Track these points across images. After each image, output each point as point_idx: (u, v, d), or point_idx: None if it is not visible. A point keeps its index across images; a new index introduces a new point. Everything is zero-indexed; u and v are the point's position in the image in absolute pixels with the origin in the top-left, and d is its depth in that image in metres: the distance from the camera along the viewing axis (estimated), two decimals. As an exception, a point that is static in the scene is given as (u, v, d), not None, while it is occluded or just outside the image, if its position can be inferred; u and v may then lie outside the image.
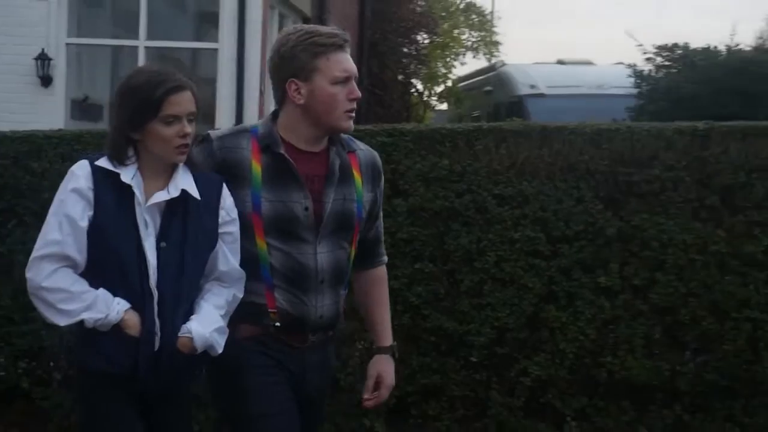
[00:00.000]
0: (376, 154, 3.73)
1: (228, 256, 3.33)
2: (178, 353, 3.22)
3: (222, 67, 13.53)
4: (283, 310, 3.37)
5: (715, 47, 11.93)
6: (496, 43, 19.52)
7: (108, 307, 3.08)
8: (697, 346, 6.59)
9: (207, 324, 3.24)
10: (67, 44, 13.92)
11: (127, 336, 3.11)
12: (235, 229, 3.34)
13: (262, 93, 12.77)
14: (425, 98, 17.26)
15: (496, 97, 18.34)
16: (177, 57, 14.78)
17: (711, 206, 6.58)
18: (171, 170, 3.24)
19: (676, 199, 6.58)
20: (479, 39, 19.28)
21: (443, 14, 16.87)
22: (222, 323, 3.31)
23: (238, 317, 3.40)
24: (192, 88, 3.26)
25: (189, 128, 3.18)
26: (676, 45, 12.05)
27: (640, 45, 12.29)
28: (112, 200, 3.13)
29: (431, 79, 17.73)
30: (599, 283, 6.53)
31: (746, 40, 13.09)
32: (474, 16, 19.41)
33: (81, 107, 14.49)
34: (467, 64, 19.50)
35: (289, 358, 3.44)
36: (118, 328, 3.09)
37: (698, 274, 6.54)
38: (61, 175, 6.30)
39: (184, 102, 3.18)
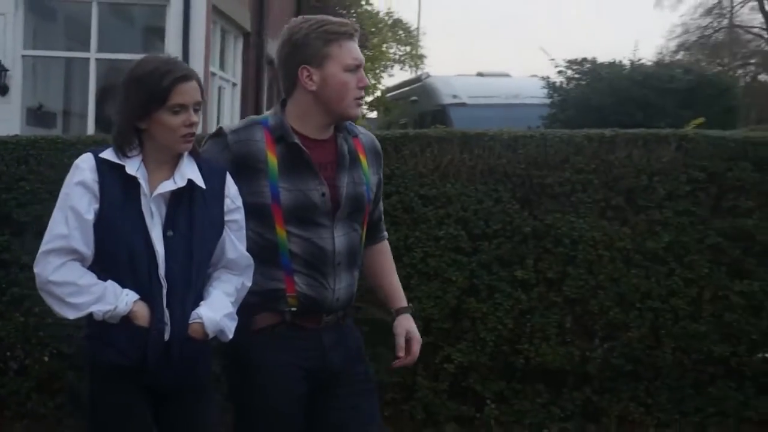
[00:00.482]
0: (374, 137, 3.61)
1: (236, 243, 3.20)
2: (189, 340, 3.08)
3: (167, 78, 13.51)
4: (302, 293, 3.23)
5: (620, 61, 12.06)
6: (421, 57, 19.69)
7: (116, 299, 2.94)
8: (604, 333, 6.65)
9: (217, 309, 3.11)
10: (23, 56, 13.74)
11: (136, 327, 2.97)
12: (240, 216, 3.21)
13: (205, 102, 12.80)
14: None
15: (421, 106, 18.44)
16: (126, 68, 14.54)
17: (617, 206, 6.63)
18: (175, 160, 3.11)
19: (585, 199, 6.60)
20: (405, 53, 19.41)
21: (372, 30, 16.96)
22: (232, 309, 3.18)
23: (254, 307, 3.26)
24: (198, 78, 3.14)
25: (195, 117, 3.06)
26: (584, 59, 12.14)
27: (553, 59, 12.45)
28: (117, 192, 2.98)
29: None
30: (516, 277, 6.54)
31: (648, 55, 13.30)
32: (401, 32, 19.51)
33: (36, 115, 14.33)
34: (395, 76, 19.66)
35: (306, 344, 3.29)
36: (127, 319, 2.95)
37: (605, 268, 6.56)
38: (15, 178, 6.22)
39: (190, 91, 3.05)
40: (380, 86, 18.52)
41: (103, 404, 3.07)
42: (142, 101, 3.02)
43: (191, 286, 3.09)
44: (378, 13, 17.70)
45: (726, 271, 6.65)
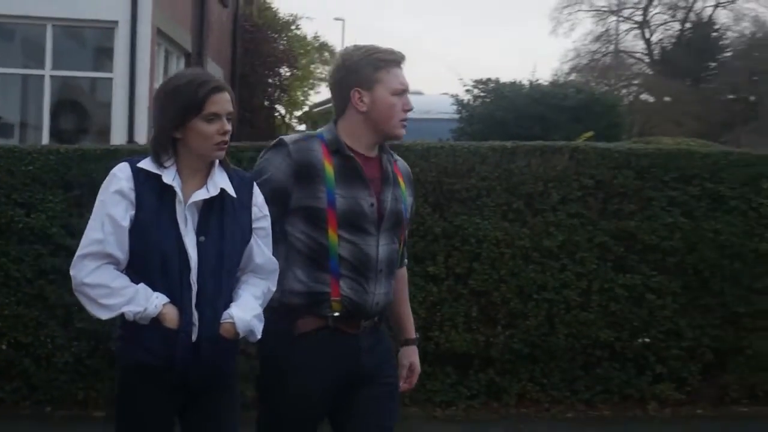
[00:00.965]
0: (407, 165, 3.60)
1: (263, 249, 3.13)
2: (220, 339, 3.00)
3: (116, 93, 13.36)
4: (346, 297, 3.17)
5: (520, 82, 12.22)
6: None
7: (147, 301, 2.85)
8: (506, 321, 6.70)
9: (247, 310, 3.04)
10: (-17, 73, 14.13)
11: (166, 329, 2.88)
12: (267, 224, 3.14)
13: None
14: (287, 120, 17.36)
15: None
16: (78, 85, 14.60)
17: (517, 209, 6.70)
18: (207, 168, 3.03)
19: (489, 203, 6.67)
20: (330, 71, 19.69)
21: (301, 51, 17.02)
22: (260, 311, 3.11)
23: (298, 311, 3.20)
24: (230, 90, 3.07)
25: (228, 126, 2.99)
26: (489, 79, 12.24)
27: (461, 79, 12.58)
28: (153, 199, 2.89)
29: (292, 105, 17.89)
30: (428, 272, 6.57)
31: (545, 76, 13.55)
32: (326, 54, 19.63)
33: (-5, 126, 14.72)
34: (321, 93, 19.78)
35: (344, 349, 3.23)
36: (156, 321, 2.86)
37: (507, 264, 6.64)
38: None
39: (223, 101, 2.98)
40: (308, 102, 18.77)
41: (128, 402, 2.99)
42: (179, 111, 2.95)
43: (222, 289, 3.02)
44: (306, 37, 17.83)
45: (611, 266, 6.78)
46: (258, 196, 3.09)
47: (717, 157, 7.15)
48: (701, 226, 6.88)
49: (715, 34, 44.53)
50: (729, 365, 7.06)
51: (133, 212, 2.86)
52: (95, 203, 2.95)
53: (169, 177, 2.92)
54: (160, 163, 2.91)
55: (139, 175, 2.91)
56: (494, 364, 6.78)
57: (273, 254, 3.19)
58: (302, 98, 18.84)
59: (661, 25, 45.26)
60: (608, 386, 6.91)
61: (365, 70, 3.24)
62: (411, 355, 3.50)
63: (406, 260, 3.66)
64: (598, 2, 44.89)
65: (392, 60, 3.30)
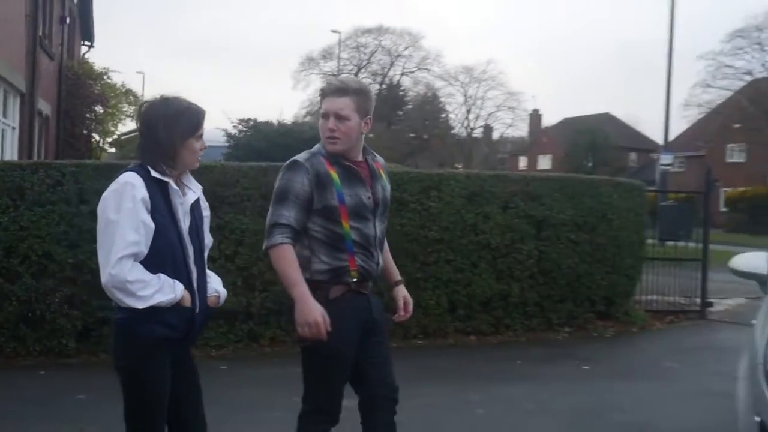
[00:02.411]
0: (383, 159, 3.56)
1: (209, 233, 3.11)
2: (208, 309, 2.99)
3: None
4: (360, 266, 3.23)
5: (271, 120, 12.91)
6: (138, 113, 20.46)
7: (173, 290, 2.78)
8: (261, 288, 7.31)
9: (220, 284, 3.11)
10: None
11: (183, 308, 2.83)
12: (209, 214, 3.12)
13: None
14: (101, 145, 17.89)
15: None
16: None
17: (268, 208, 7.47)
18: (181, 175, 2.95)
19: (250, 206, 7.28)
20: (134, 110, 20.89)
21: (112, 95, 17.71)
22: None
23: (327, 282, 3.21)
24: None
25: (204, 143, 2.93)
26: (249, 119, 12.79)
27: (230, 118, 13.02)
28: (161, 202, 2.81)
29: (104, 134, 18.44)
30: (211, 255, 7.24)
31: (289, 117, 14.89)
32: (131, 96, 20.55)
33: None
34: (126, 125, 20.66)
35: (361, 305, 3.30)
36: (177, 303, 2.80)
37: (262, 248, 7.08)
38: None
39: (203, 126, 2.95)
40: (117, 131, 19.86)
41: (150, 368, 2.86)
42: (185, 131, 2.87)
43: (205, 269, 3.01)
44: (115, 84, 18.93)
45: None
46: (202, 195, 3.06)
47: (402, 175, 8.03)
48: (392, 221, 6.93)
49: (401, 92, 51.17)
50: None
51: (149, 215, 2.76)
52: (121, 209, 2.73)
53: (172, 183, 2.86)
54: (163, 172, 2.83)
55: (149, 182, 2.79)
56: (253, 317, 7.32)
57: (299, 246, 3.20)
58: (112, 129, 19.75)
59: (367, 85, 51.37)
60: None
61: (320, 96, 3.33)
62: (401, 292, 3.53)
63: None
64: (325, 68, 49.97)
65: (323, 91, 3.36)
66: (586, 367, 7.29)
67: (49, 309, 6.83)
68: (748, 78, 39.37)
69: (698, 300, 10.42)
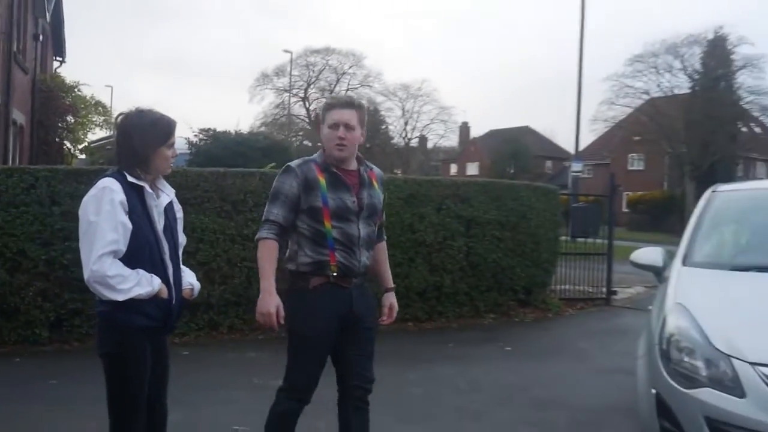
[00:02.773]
0: (381, 172, 3.55)
1: (182, 232, 3.05)
2: (183, 301, 2.97)
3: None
4: (340, 262, 3.20)
5: (229, 130, 13.25)
6: (112, 123, 20.22)
7: (151, 284, 2.75)
8: (220, 281, 7.21)
9: (193, 277, 3.07)
10: None
11: (161, 299, 2.80)
12: (182, 215, 3.07)
13: None
14: (72, 152, 17.52)
15: (113, 152, 18.03)
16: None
17: (227, 210, 7.28)
18: (155, 180, 2.91)
19: (209, 206, 7.21)
20: (103, 120, 20.23)
21: (82, 106, 17.37)
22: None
23: (310, 273, 3.20)
24: None
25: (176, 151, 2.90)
26: (210, 129, 13.01)
27: (191, 128, 13.23)
28: (138, 204, 2.77)
29: (76, 141, 18.07)
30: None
31: (245, 127, 14.83)
32: (100, 108, 20.19)
33: None
34: (96, 134, 20.29)
35: (341, 297, 3.24)
36: (155, 295, 2.78)
37: (221, 245, 7.19)
38: None
39: (175, 135, 2.92)
40: (87, 140, 19.55)
41: (132, 357, 2.82)
42: (157, 139, 2.83)
43: (179, 264, 2.96)
44: (85, 96, 18.61)
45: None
46: (175, 197, 3.03)
47: None
48: None
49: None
50: None
51: (126, 216, 2.73)
52: (100, 211, 2.69)
53: (147, 187, 2.83)
54: (138, 177, 2.79)
55: (126, 186, 2.75)
56: (213, 308, 7.25)
57: (290, 241, 3.21)
58: (83, 137, 19.40)
59: (316, 99, 49.97)
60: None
61: (322, 112, 3.35)
62: (389, 299, 3.50)
63: (385, 236, 3.62)
64: (278, 84, 49.50)
65: (331, 104, 3.34)
66: (509, 349, 7.40)
67: (23, 302, 6.69)
68: (646, 97, 40.57)
69: (604, 289, 10.65)
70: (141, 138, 2.81)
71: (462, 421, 4.89)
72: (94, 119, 20.67)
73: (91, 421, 3.42)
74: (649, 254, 4.13)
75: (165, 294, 2.81)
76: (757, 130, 42.70)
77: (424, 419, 4.88)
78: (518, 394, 5.62)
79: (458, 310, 8.67)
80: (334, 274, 3.21)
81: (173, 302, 2.87)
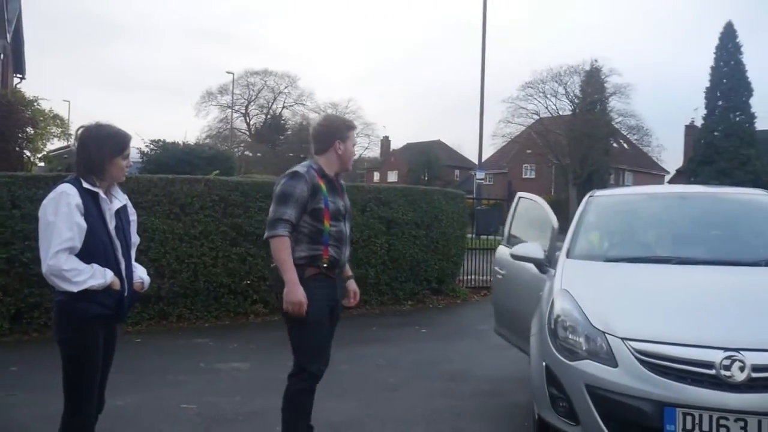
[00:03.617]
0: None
1: (135, 233, 3.01)
2: (135, 293, 2.94)
3: None
4: (332, 256, 3.21)
5: (177, 141, 12.87)
6: (70, 135, 19.63)
7: (104, 276, 2.72)
8: (169, 275, 7.01)
9: (144, 272, 3.03)
10: None
11: (114, 291, 2.77)
12: (135, 218, 3.02)
13: None
14: (32, 160, 16.72)
15: (70, 160, 17.28)
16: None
17: (175, 212, 7.09)
18: (110, 186, 2.87)
19: (159, 209, 6.93)
20: (59, 132, 19.40)
21: (41, 118, 16.65)
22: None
23: (306, 265, 3.15)
24: None
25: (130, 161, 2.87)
26: (159, 140, 12.58)
27: (143, 139, 12.91)
28: (92, 207, 2.74)
29: (35, 151, 17.31)
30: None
31: (192, 140, 14.51)
32: (58, 120, 19.37)
33: None
34: (54, 144, 19.59)
35: (330, 285, 3.25)
36: (108, 287, 2.74)
37: (170, 243, 7.00)
38: None
39: (130, 147, 2.88)
40: (46, 149, 18.73)
41: (89, 341, 2.79)
42: (114, 151, 2.79)
43: (131, 261, 2.92)
44: (44, 110, 17.87)
45: (229, 243, 7.31)
46: (129, 202, 2.99)
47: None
48: None
49: (282, 122, 50.74)
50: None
51: (82, 217, 2.70)
52: (59, 213, 2.66)
53: (102, 193, 2.79)
54: (93, 184, 2.76)
55: (82, 192, 2.73)
56: (163, 299, 7.08)
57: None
58: (42, 147, 18.58)
59: (255, 115, 50.41)
60: (228, 308, 7.44)
61: (342, 129, 3.36)
62: (353, 285, 3.49)
63: None
64: (221, 102, 48.89)
65: (352, 126, 3.45)
66: (424, 331, 7.48)
67: (-16, 296, 6.23)
68: (536, 117, 41.95)
69: (503, 278, 10.81)
70: (98, 149, 2.78)
71: (383, 393, 4.91)
72: (52, 131, 19.78)
73: (51, 406, 3.30)
74: (528, 248, 4.23)
75: (117, 286, 2.78)
76: (626, 146, 44.74)
77: (350, 393, 4.87)
78: (431, 369, 5.69)
79: (380, 299, 8.71)
80: (325, 265, 3.19)
81: (125, 294, 2.84)
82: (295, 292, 3.07)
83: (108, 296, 2.76)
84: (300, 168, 3.24)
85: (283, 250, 3.10)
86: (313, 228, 3.18)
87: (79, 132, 2.86)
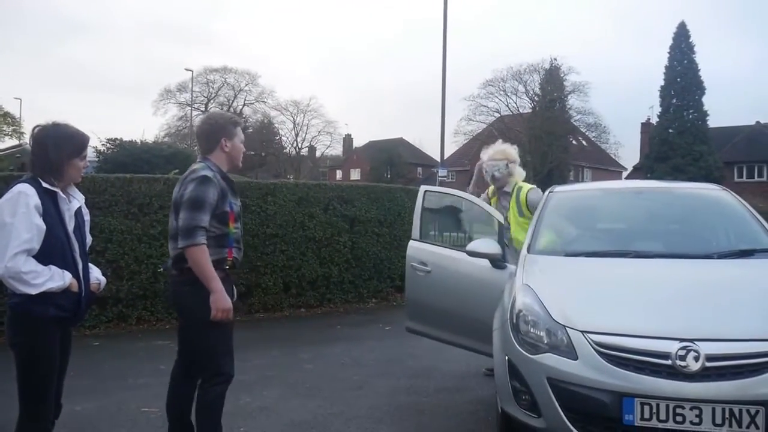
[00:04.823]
0: None
1: (89, 234, 2.97)
2: (91, 294, 2.90)
3: None
4: (235, 258, 3.19)
5: (135, 140, 12.55)
6: (22, 133, 18.93)
7: (62, 278, 2.69)
8: (128, 277, 6.93)
9: (99, 273, 3.00)
10: None
11: (72, 292, 2.73)
12: (89, 218, 2.98)
13: None
14: None
15: (23, 160, 16.84)
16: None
17: (133, 212, 6.95)
18: (67, 186, 2.83)
19: (117, 209, 6.86)
20: (12, 130, 18.83)
21: None
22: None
23: (213, 266, 3.06)
24: None
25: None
26: (117, 138, 12.28)
27: (99, 138, 12.54)
28: (51, 208, 2.69)
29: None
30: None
31: (150, 138, 14.26)
32: (9, 119, 18.67)
33: None
34: (6, 143, 19.03)
35: (229, 286, 3.17)
36: (65, 288, 2.71)
37: (128, 244, 6.96)
38: None
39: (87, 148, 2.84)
40: None
41: (43, 346, 2.73)
42: (72, 151, 2.76)
43: (87, 261, 2.89)
44: None
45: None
46: (83, 202, 2.93)
47: (244, 184, 7.97)
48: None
49: (243, 119, 49.88)
50: (253, 292, 7.86)
51: (41, 218, 2.65)
52: (17, 213, 2.61)
53: (61, 193, 2.75)
54: (52, 184, 2.72)
55: (39, 191, 2.67)
56: (122, 301, 7.00)
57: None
58: None
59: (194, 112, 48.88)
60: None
61: (228, 126, 3.26)
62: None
63: None
64: (180, 99, 47.94)
65: (239, 122, 3.36)
66: (388, 328, 7.51)
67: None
68: (498, 114, 42.46)
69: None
70: (56, 149, 2.74)
71: (348, 391, 4.91)
72: (3, 129, 19.15)
73: (7, 413, 3.16)
74: (484, 244, 4.26)
75: (76, 288, 2.74)
76: (585, 143, 45.60)
77: (315, 392, 4.86)
78: (395, 366, 5.71)
79: (345, 297, 8.73)
80: (227, 267, 3.16)
81: (83, 295, 2.80)
82: (225, 299, 3.03)
83: (65, 298, 2.72)
84: (206, 172, 3.13)
85: (207, 259, 3.01)
86: (219, 231, 3.11)
87: (36, 131, 2.80)
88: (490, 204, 5.12)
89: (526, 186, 5.13)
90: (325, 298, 8.61)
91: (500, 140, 5.69)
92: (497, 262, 4.18)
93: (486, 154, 5.22)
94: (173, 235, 3.12)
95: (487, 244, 4.19)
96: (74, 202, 2.84)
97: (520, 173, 5.22)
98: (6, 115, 19.16)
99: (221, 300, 3.02)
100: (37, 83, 77.55)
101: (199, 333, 3.11)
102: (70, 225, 2.77)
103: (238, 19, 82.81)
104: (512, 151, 5.20)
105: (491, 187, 5.30)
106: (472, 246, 4.26)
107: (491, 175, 5.15)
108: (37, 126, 2.84)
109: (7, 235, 2.59)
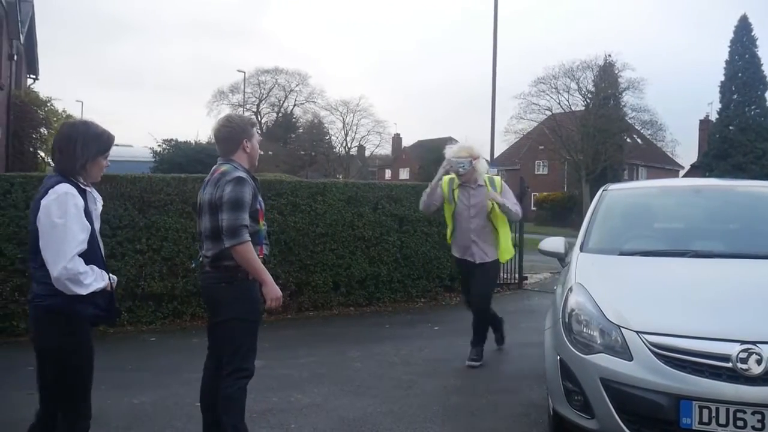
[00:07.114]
0: None
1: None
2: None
3: None
4: (266, 255, 3.25)
5: (189, 140, 13.10)
6: (56, 130, 19.62)
7: (103, 278, 2.71)
8: (183, 275, 7.01)
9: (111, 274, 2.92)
10: None
11: (107, 292, 2.74)
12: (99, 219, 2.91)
13: None
14: (45, 160, 16.84)
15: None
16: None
17: (188, 211, 7.05)
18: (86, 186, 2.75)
19: (172, 208, 7.03)
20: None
21: (55, 119, 16.73)
22: None
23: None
24: None
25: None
26: (172, 139, 12.81)
27: (155, 138, 13.11)
28: (86, 207, 2.69)
29: (49, 151, 17.60)
30: (136, 248, 6.78)
31: (204, 139, 14.56)
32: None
33: None
34: None
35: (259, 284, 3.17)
36: (103, 288, 2.71)
37: (183, 242, 6.99)
38: None
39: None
40: None
41: (84, 341, 2.74)
42: (99, 150, 2.74)
43: (105, 261, 2.87)
44: (57, 110, 17.62)
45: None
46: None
47: (295, 183, 7.97)
48: (287, 220, 7.63)
49: (293, 119, 50.72)
50: (303, 291, 7.91)
51: (85, 218, 2.65)
52: (68, 214, 2.59)
53: (93, 192, 2.77)
54: (84, 183, 2.73)
55: (78, 191, 2.67)
56: (177, 298, 7.09)
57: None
58: None
59: (267, 113, 50.57)
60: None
61: (247, 126, 3.32)
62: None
63: None
64: (233, 100, 48.91)
65: (255, 123, 3.45)
66: (437, 328, 7.48)
67: (1, 296, 6.44)
68: (549, 113, 41.71)
69: (516, 275, 10.82)
70: (84, 147, 2.72)
71: (397, 390, 4.91)
72: (65, 131, 20.04)
73: (23, 410, 3.31)
74: (553, 243, 4.26)
75: (110, 287, 2.77)
76: (639, 141, 44.34)
77: (364, 390, 4.89)
78: (444, 366, 5.69)
79: (393, 296, 8.71)
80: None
81: (113, 294, 2.81)
82: (276, 289, 3.13)
83: (102, 297, 2.73)
84: (239, 173, 3.18)
85: (254, 254, 3.10)
86: (251, 229, 3.14)
87: (64, 127, 2.80)
88: (452, 195, 5.60)
89: (496, 178, 5.62)
90: (374, 297, 8.62)
91: (466, 136, 6.03)
92: (562, 260, 4.18)
93: (451, 151, 5.51)
94: (208, 235, 3.16)
95: (554, 243, 4.25)
96: (99, 201, 2.84)
97: (483, 166, 5.53)
98: (68, 117, 19.96)
99: (273, 290, 3.13)
100: (94, 85, 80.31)
101: (231, 329, 3.18)
102: (97, 224, 2.78)
103: (288, 18, 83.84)
104: (476, 148, 5.51)
105: (455, 179, 5.63)
106: (542, 244, 4.33)
107: (456, 171, 5.46)
108: (66, 123, 2.86)
109: (62, 236, 2.57)
